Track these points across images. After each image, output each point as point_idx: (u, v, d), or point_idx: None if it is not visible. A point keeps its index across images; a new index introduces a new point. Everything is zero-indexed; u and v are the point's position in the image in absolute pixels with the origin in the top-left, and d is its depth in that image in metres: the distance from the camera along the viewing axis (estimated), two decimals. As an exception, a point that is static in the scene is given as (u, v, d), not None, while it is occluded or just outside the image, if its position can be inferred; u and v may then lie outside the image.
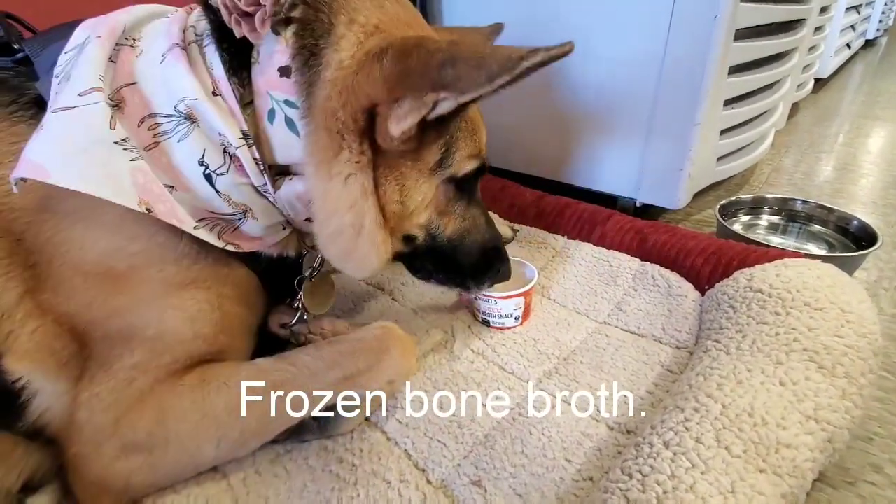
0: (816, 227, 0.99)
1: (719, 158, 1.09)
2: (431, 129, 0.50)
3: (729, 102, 1.03)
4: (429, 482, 0.53)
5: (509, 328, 0.75)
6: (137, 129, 0.47)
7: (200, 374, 0.51)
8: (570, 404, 0.61)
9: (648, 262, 0.84)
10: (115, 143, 0.45)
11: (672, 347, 0.68)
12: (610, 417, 0.58)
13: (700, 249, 0.79)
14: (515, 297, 0.72)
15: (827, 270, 0.65)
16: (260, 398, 0.51)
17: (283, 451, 0.57)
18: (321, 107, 0.47)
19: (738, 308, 0.63)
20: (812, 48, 1.75)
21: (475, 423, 0.59)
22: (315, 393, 0.53)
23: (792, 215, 1.02)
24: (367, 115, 0.47)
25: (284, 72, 0.47)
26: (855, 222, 0.93)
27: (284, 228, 0.59)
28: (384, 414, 0.61)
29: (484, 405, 0.62)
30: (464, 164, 0.56)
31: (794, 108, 2.00)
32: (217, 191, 0.49)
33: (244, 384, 0.51)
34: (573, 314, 0.79)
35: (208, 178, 0.49)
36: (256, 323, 0.62)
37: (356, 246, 0.53)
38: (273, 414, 0.52)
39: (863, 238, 0.90)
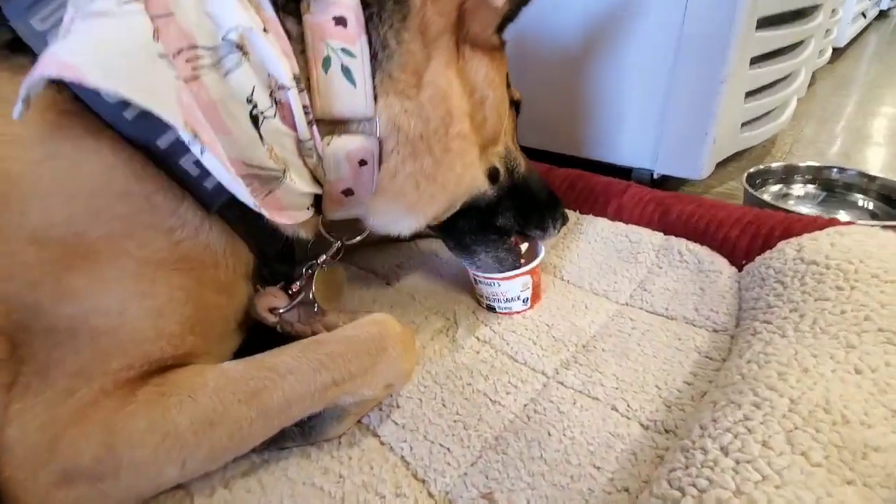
0: (857, 197, 0.89)
1: (743, 124, 0.99)
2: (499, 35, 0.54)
3: (755, 62, 0.93)
4: (430, 495, 0.44)
5: (518, 312, 0.66)
6: (173, 59, 0.38)
7: (158, 385, 0.41)
8: (594, 398, 0.52)
9: (673, 237, 0.75)
10: (161, 55, 0.37)
11: (708, 330, 0.59)
12: (643, 413, 0.49)
13: (734, 220, 0.70)
14: (521, 276, 0.63)
15: (890, 238, 0.56)
16: (233, 413, 0.42)
17: (258, 460, 0.48)
18: (415, 26, 0.47)
19: (789, 283, 0.54)
20: (832, 12, 1.64)
21: (483, 423, 0.51)
22: (299, 402, 0.44)
23: (828, 184, 0.92)
24: (458, 12, 0.49)
25: (340, 21, 0.44)
26: (899, 190, 0.83)
27: (309, 209, 0.52)
28: (377, 415, 0.53)
29: (493, 401, 0.53)
30: (514, 91, 0.60)
31: (812, 77, 1.89)
32: (261, 136, 0.42)
33: (213, 397, 0.41)
34: (590, 296, 0.70)
35: (255, 119, 0.41)
36: (237, 316, 0.53)
37: (444, 154, 0.51)
38: (249, 428, 0.43)
39: (910, 205, 0.81)
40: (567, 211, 0.89)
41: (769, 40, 0.93)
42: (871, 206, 0.87)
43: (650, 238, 0.76)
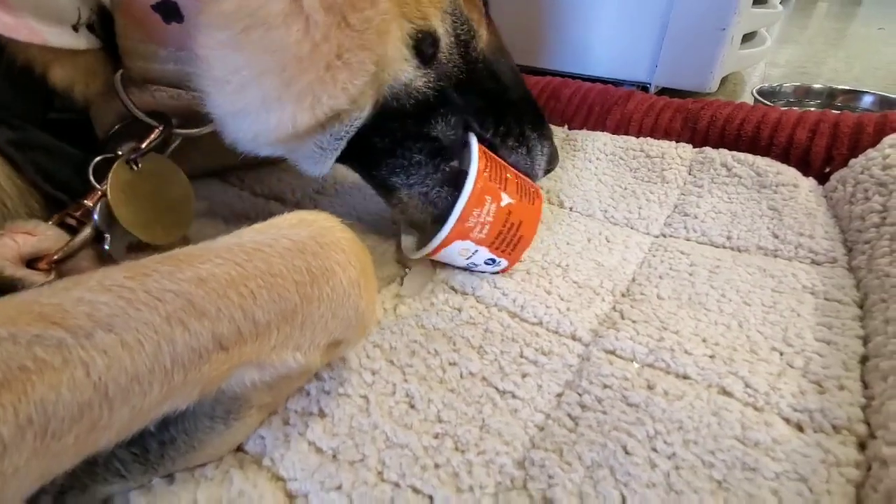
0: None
1: (744, 39, 0.82)
2: None
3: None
4: None
5: (501, 270, 0.39)
6: None
7: None
8: (682, 376, 0.29)
9: (709, 148, 0.55)
10: None
11: (807, 263, 0.39)
12: (782, 400, 0.27)
13: (795, 121, 0.51)
14: (452, 236, 0.35)
15: None
16: None
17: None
18: None
19: (944, 182, 0.35)
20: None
21: (492, 436, 0.26)
22: (135, 393, 0.19)
23: (849, 110, 0.78)
24: None
25: None
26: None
27: (79, 28, 0.28)
28: (279, 433, 0.26)
29: (503, 392, 0.29)
30: None
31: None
32: None
33: None
34: (608, 226, 0.47)
35: None
36: None
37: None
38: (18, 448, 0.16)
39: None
40: (553, 127, 0.67)
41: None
42: None
43: (676, 151, 0.55)
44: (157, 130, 0.33)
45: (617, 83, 0.81)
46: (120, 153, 0.32)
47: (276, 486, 0.24)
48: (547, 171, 0.45)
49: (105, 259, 0.30)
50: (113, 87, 0.31)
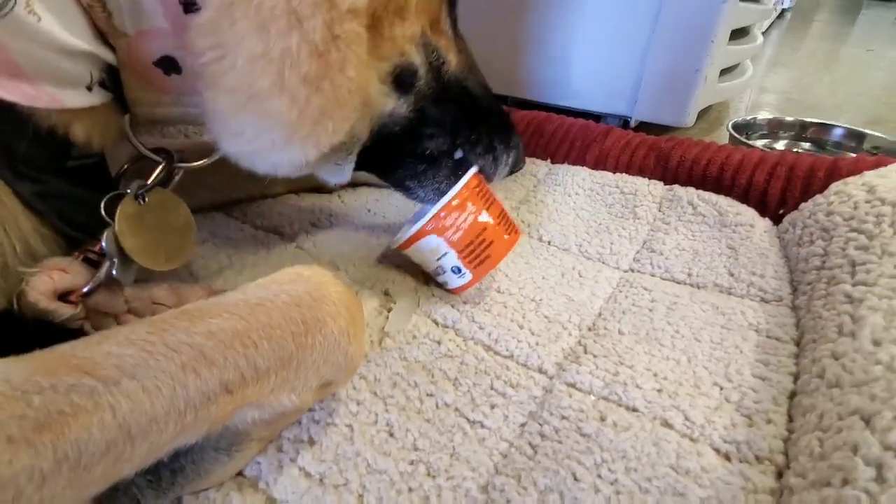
0: (846, 154, 0.80)
1: (722, 72, 0.87)
2: None
3: None
4: None
5: (457, 289, 0.44)
6: None
7: None
8: (631, 409, 0.33)
9: (678, 186, 0.59)
10: None
11: (756, 301, 0.43)
12: (714, 432, 0.31)
13: (755, 163, 0.55)
14: (418, 238, 0.41)
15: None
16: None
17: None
18: None
19: (874, 232, 0.39)
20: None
21: (461, 463, 0.30)
22: (153, 431, 0.22)
23: (817, 142, 0.82)
24: None
25: None
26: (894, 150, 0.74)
27: (93, 88, 0.31)
28: (273, 458, 0.30)
29: (472, 422, 0.33)
30: None
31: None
32: None
33: None
34: (581, 260, 0.51)
35: None
36: None
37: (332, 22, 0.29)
38: (34, 494, 0.20)
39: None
40: (535, 160, 0.72)
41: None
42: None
43: (648, 188, 0.59)
44: (160, 166, 0.37)
45: (601, 115, 0.85)
46: (128, 190, 0.36)
47: (263, 495, 0.28)
48: (512, 172, 0.50)
49: (113, 285, 0.34)
50: (123, 131, 0.35)
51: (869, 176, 0.45)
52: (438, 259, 0.42)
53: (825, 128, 0.83)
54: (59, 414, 0.20)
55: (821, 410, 0.28)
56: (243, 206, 0.59)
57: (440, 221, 0.40)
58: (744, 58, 0.96)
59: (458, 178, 0.41)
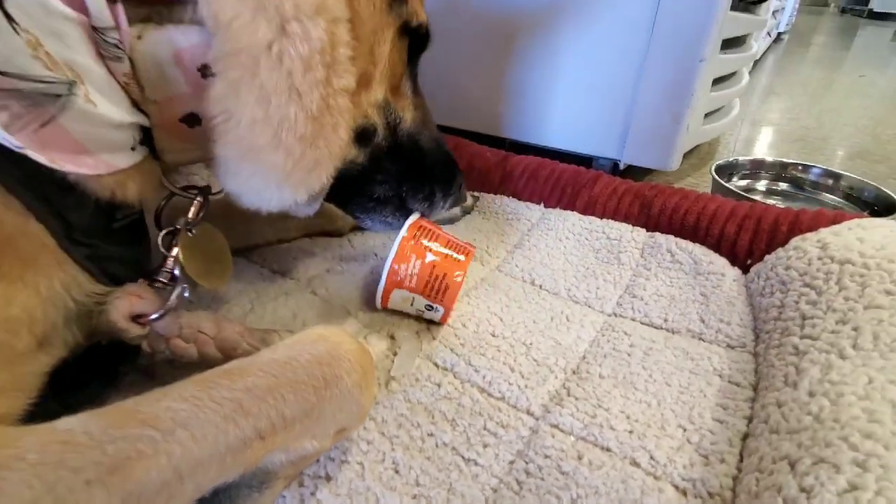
0: (824, 196, 0.85)
1: (706, 115, 0.93)
2: None
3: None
4: None
5: (439, 322, 0.52)
6: None
7: None
8: (605, 449, 0.38)
9: (658, 233, 0.64)
10: None
11: (722, 347, 0.48)
12: (675, 470, 0.36)
13: (727, 214, 0.60)
14: (386, 281, 0.49)
15: (915, 233, 0.48)
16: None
17: None
18: None
19: (823, 288, 0.44)
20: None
21: (455, 496, 0.35)
22: (200, 473, 0.27)
23: (795, 181, 0.88)
24: None
25: None
26: (867, 190, 0.80)
27: (136, 148, 0.35)
28: (295, 494, 0.35)
29: (467, 461, 0.38)
30: (417, 11, 0.43)
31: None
32: (10, 17, 0.26)
33: (34, 479, 0.23)
34: (570, 304, 0.57)
35: None
36: (44, 331, 0.33)
37: (324, 104, 0.35)
38: None
39: (877, 205, 0.77)
40: (529, 204, 0.77)
41: (737, 24, 0.87)
42: (838, 205, 0.83)
43: (632, 235, 0.65)
44: (197, 200, 0.43)
45: (593, 158, 0.91)
46: (178, 226, 0.42)
47: None
48: (453, 207, 0.57)
49: (174, 312, 0.40)
50: (158, 178, 0.41)
51: (824, 233, 0.50)
52: (412, 304, 0.50)
53: (804, 168, 0.89)
54: (126, 459, 0.26)
55: (761, 454, 0.33)
56: (262, 251, 0.65)
57: (395, 276, 0.48)
58: (729, 100, 1.02)
59: (402, 213, 0.50)
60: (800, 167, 0.88)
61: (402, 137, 0.48)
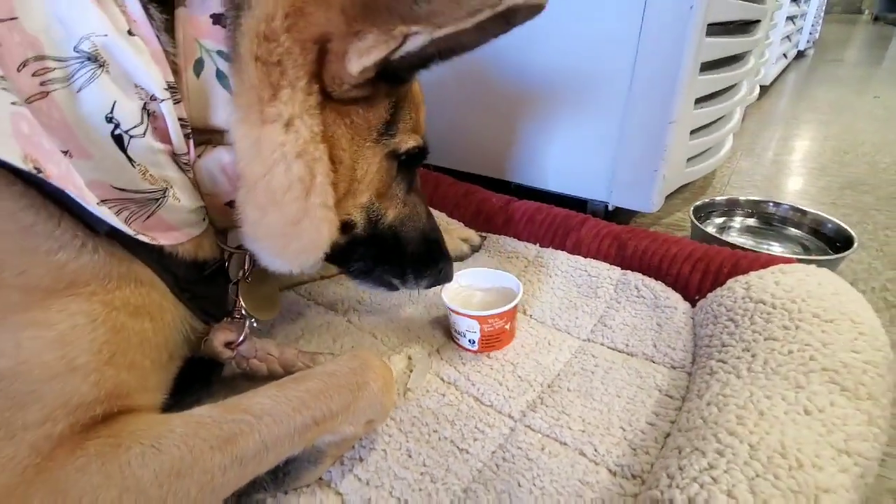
0: (791, 231, 0.96)
1: (689, 159, 1.05)
2: (384, 82, 0.46)
3: (698, 102, 0.99)
4: (397, 560, 0.42)
5: (466, 349, 0.66)
6: (17, 74, 0.35)
7: (111, 436, 0.37)
8: (562, 443, 0.51)
9: (630, 271, 0.77)
10: None
11: (667, 367, 0.61)
12: (610, 458, 0.49)
13: (685, 256, 0.73)
14: (466, 317, 0.63)
15: (827, 276, 0.60)
16: (204, 462, 0.38)
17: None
18: (253, 30, 0.39)
19: (740, 322, 0.57)
20: (760, 55, 1.79)
21: (451, 474, 0.49)
22: (277, 446, 0.42)
23: (766, 218, 0.99)
24: (318, 50, 0.41)
25: (218, 19, 0.40)
26: (829, 225, 0.90)
27: (204, 219, 0.49)
28: (339, 470, 0.50)
29: (461, 450, 0.52)
30: (406, 140, 0.52)
31: (744, 113, 2.05)
32: (130, 159, 0.39)
33: (180, 445, 0.38)
34: (553, 331, 0.70)
35: (118, 140, 0.38)
36: (171, 349, 0.49)
37: (303, 213, 0.44)
38: (221, 478, 0.39)
39: (837, 240, 0.88)
40: (527, 244, 0.91)
41: (711, 83, 1.00)
42: (802, 239, 0.94)
43: (608, 272, 0.78)
44: (248, 258, 0.57)
45: (585, 200, 1.05)
46: (241, 275, 0.57)
47: (337, 498, 0.48)
48: (424, 285, 0.63)
49: (252, 340, 0.57)
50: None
51: (752, 276, 0.62)
52: (468, 331, 0.64)
53: (775, 205, 0.99)
54: (234, 434, 0.41)
55: (669, 446, 0.46)
56: (308, 286, 0.82)
57: (487, 318, 0.62)
58: (713, 144, 1.14)
59: (383, 285, 0.61)
60: (770, 204, 0.99)
61: (382, 229, 0.56)
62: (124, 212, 0.40)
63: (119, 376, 0.40)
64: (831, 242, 0.89)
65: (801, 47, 3.52)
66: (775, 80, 2.70)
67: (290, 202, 0.44)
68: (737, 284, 0.62)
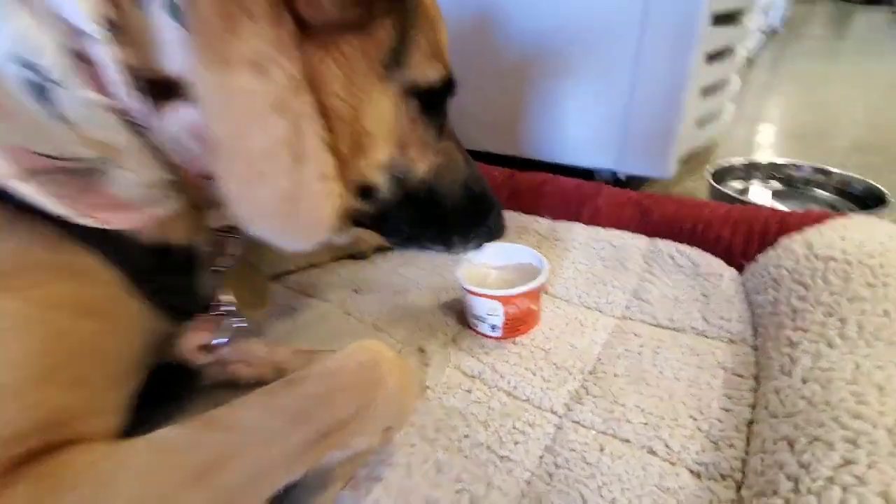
0: (817, 192, 0.90)
1: (698, 122, 0.98)
2: None
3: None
4: None
5: (485, 336, 0.57)
6: None
7: (47, 475, 0.28)
8: (624, 440, 0.42)
9: (659, 239, 0.69)
10: None
11: (724, 342, 0.52)
12: (688, 455, 0.40)
13: (721, 218, 0.65)
14: (485, 297, 0.53)
15: (893, 228, 0.53)
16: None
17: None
18: None
19: (812, 283, 0.49)
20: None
21: (495, 490, 0.39)
22: (271, 471, 0.32)
23: (787, 180, 0.92)
24: None
25: None
26: (855, 184, 0.84)
27: (172, 196, 0.39)
28: (352, 496, 0.39)
29: (501, 458, 0.42)
30: (425, 70, 0.41)
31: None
32: (61, 116, 0.31)
33: (138, 483, 0.29)
34: (582, 310, 0.61)
35: (38, 90, 0.30)
36: (130, 357, 0.38)
37: (297, 187, 0.36)
38: None
39: (867, 199, 0.82)
40: (537, 218, 0.82)
41: (720, 36, 0.93)
42: (830, 201, 0.88)
43: (634, 242, 0.69)
44: (232, 239, 0.47)
45: (593, 170, 0.97)
46: (223, 266, 0.46)
47: None
48: (475, 243, 0.55)
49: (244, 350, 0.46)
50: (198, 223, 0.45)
51: (809, 232, 0.55)
52: (489, 314, 0.54)
53: (796, 166, 0.93)
54: (213, 461, 0.30)
55: (764, 437, 0.37)
56: (297, 277, 0.71)
57: (512, 299, 0.53)
58: (720, 103, 1.07)
59: (426, 247, 0.52)
60: (792, 166, 0.92)
61: (414, 187, 0.47)
62: (50, 185, 0.31)
63: (59, 397, 0.31)
64: (860, 201, 0.83)
65: (775, 25, 3.56)
66: (755, 56, 2.70)
67: (277, 174, 0.35)
68: (793, 244, 0.55)
